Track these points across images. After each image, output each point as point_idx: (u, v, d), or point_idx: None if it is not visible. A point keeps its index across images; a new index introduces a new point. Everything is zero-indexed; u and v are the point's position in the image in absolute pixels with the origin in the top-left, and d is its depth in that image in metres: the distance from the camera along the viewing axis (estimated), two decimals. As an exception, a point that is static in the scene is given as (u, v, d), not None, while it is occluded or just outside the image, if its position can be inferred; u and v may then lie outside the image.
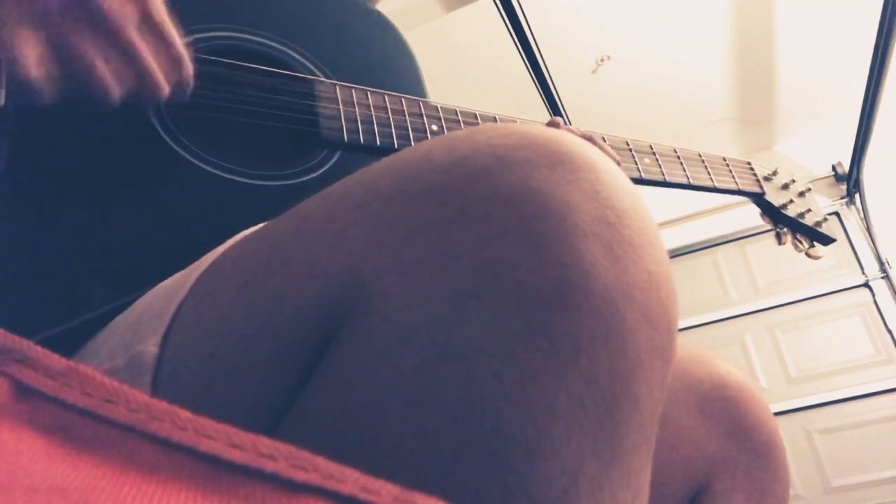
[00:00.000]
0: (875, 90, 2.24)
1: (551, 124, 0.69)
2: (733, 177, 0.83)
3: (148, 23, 0.42)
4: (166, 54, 0.44)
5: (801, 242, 0.90)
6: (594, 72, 2.70)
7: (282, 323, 0.29)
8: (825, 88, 2.85)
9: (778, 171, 0.90)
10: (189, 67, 0.46)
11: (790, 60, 2.67)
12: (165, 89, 0.44)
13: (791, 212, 0.88)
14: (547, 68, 2.30)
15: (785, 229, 0.89)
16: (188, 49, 0.46)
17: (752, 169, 0.87)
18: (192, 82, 0.47)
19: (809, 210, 0.89)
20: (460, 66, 2.60)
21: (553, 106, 2.45)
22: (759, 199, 0.87)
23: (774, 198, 0.87)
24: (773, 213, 0.88)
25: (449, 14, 2.43)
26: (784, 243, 0.89)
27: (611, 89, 2.79)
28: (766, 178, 0.88)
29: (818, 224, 0.89)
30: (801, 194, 0.91)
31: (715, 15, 2.45)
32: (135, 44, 0.41)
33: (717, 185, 0.80)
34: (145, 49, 0.42)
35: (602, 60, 2.64)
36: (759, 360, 2.92)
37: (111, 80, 0.41)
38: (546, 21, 2.32)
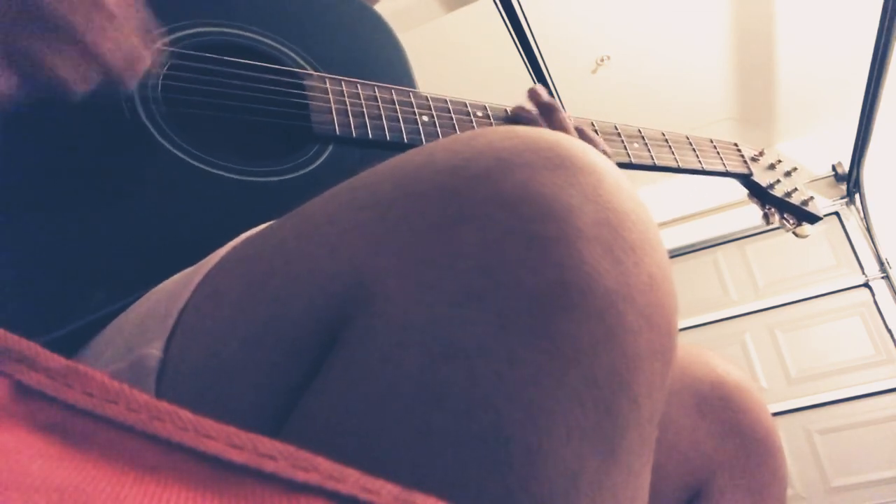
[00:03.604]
0: (875, 90, 2.24)
1: (536, 96, 0.66)
2: (721, 158, 0.83)
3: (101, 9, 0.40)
4: (120, 37, 0.41)
5: (788, 221, 0.91)
6: (594, 72, 2.70)
7: (285, 325, 0.29)
8: (825, 88, 2.85)
9: (765, 151, 0.91)
10: (141, 52, 0.43)
11: (790, 60, 2.67)
12: (125, 75, 0.42)
13: (778, 192, 0.88)
14: (547, 68, 2.30)
15: (772, 209, 0.90)
16: (149, 35, 0.43)
17: (739, 150, 0.88)
18: (147, 63, 0.44)
19: (796, 189, 0.90)
20: (460, 66, 2.60)
21: (553, 106, 2.45)
22: (746, 179, 0.87)
23: (762, 178, 0.88)
24: (761, 194, 0.89)
25: (449, 14, 2.43)
26: (772, 223, 0.90)
27: (611, 89, 2.79)
28: (753, 159, 0.89)
29: (805, 203, 0.90)
30: (788, 174, 0.92)
31: (715, 15, 2.45)
32: (83, 33, 0.39)
33: (706, 167, 0.80)
34: (98, 36, 0.40)
35: (602, 60, 2.64)
36: (759, 360, 2.92)
37: (69, 75, 0.39)
38: (546, 21, 2.32)
